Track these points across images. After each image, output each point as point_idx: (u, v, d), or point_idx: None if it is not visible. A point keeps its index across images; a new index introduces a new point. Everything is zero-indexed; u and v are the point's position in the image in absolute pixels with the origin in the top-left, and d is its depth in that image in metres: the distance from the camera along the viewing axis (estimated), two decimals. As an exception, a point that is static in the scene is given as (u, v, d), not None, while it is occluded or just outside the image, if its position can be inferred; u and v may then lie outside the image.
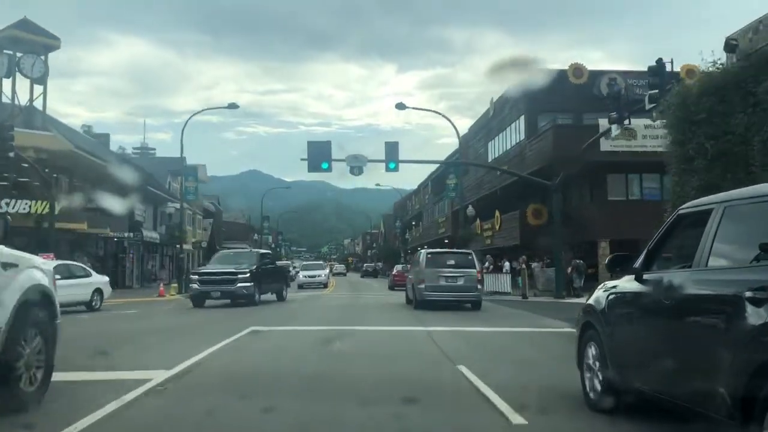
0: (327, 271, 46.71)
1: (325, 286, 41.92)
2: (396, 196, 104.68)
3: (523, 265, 29.65)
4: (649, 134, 31.98)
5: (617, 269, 5.82)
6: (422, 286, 20.05)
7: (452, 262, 20.58)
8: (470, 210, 37.87)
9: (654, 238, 5.36)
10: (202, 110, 39.60)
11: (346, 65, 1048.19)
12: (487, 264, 32.27)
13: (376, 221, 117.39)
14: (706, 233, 4.50)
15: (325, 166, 27.75)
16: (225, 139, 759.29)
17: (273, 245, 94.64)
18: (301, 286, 41.43)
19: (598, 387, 5.65)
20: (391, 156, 27.97)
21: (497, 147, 40.64)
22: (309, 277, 43.90)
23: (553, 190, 27.33)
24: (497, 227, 41.48)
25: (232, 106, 33.89)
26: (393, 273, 43.19)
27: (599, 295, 5.89)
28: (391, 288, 39.83)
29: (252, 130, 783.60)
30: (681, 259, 5.10)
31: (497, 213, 40.38)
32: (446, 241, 62.08)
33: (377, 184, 65.25)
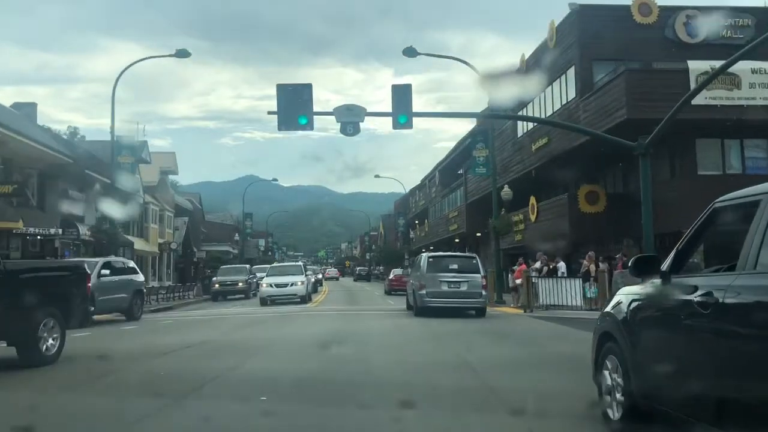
0: (305, 278, 30.35)
1: (303, 300, 28.43)
2: (395, 196, 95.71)
3: (599, 266, 20.23)
4: (758, 81, 22.72)
5: (642, 272, 5.01)
6: (423, 291, 18.79)
7: (455, 266, 19.22)
8: (506, 192, 28.23)
9: (685, 236, 4.75)
10: (143, 59, 29.56)
11: (344, 70, 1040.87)
12: (539, 264, 22.78)
13: (375, 223, 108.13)
14: (754, 230, 3.89)
15: (303, 121, 18.37)
16: (222, 145, 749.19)
17: (262, 249, 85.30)
18: (265, 302, 27.48)
19: (619, 407, 5.03)
20: (402, 107, 18.59)
21: (534, 113, 31.21)
22: (277, 286, 28.48)
23: (641, 152, 17.84)
24: (532, 218, 32.08)
25: (182, 53, 24.51)
26: (390, 277, 40.37)
27: (620, 302, 5.29)
28: (388, 293, 37.65)
29: (249, 135, 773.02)
30: (717, 260, 4.75)
31: (533, 200, 30.94)
32: (457, 240, 52.75)
33: (376, 176, 56.32)
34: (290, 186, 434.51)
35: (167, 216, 49.98)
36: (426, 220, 60.63)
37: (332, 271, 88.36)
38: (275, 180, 67.85)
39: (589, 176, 28.39)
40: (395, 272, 41.58)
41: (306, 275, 31.21)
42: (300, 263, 37.37)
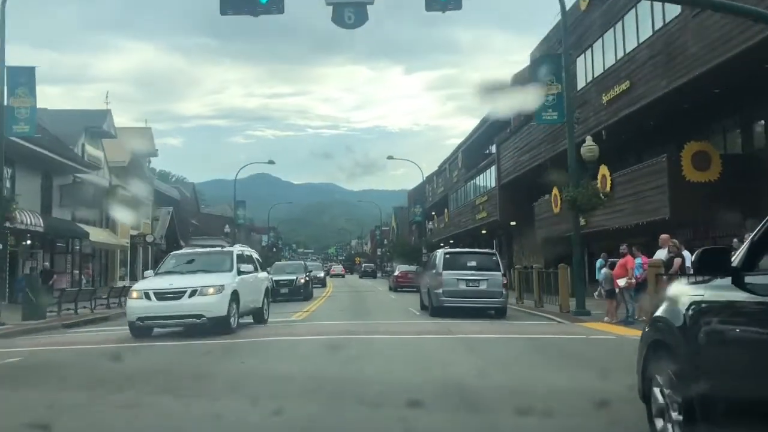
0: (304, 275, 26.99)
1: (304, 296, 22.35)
2: (406, 194, 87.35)
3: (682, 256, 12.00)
4: None
5: (709, 268, 4.20)
6: (439, 290, 17.57)
7: (473, 263, 18.10)
8: (590, 148, 19.03)
9: (761, 226, 3.97)
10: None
11: (354, 67, 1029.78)
12: (665, 254, 13.90)
13: (386, 218, 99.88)
14: None
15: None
16: (233, 143, 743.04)
17: (264, 245, 77.22)
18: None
19: (676, 428, 4.09)
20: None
21: (608, 50, 22.62)
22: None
23: None
24: (557, 206, 24.06)
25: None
26: (396, 274, 38.58)
27: (677, 304, 4.41)
28: (393, 289, 36.31)
29: (260, 133, 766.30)
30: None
31: (604, 170, 22.47)
32: (484, 231, 44.40)
33: (389, 157, 47.86)
34: (301, 183, 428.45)
35: (144, 204, 41.86)
36: (446, 210, 52.22)
37: (337, 268, 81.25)
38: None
39: (687, 135, 19.94)
40: (401, 269, 39.41)
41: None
42: (301, 262, 33.86)
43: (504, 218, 36.44)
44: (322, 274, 39.93)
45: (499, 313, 17.52)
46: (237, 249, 16.25)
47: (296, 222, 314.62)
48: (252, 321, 15.87)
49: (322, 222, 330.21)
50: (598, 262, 17.06)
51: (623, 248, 15.36)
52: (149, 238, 39.33)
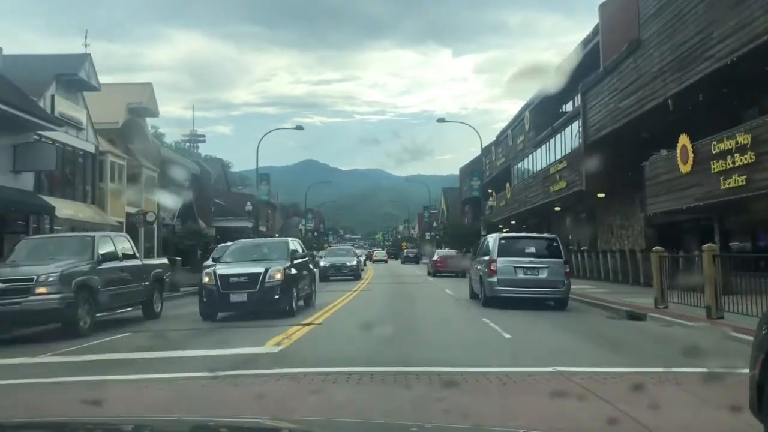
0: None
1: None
2: (454, 179, 78.77)
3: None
4: None
5: None
6: (494, 279, 16.20)
7: (532, 249, 16.58)
8: None
9: None
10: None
11: (401, 52, 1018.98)
12: None
13: (435, 201, 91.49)
14: None
15: None
16: (282, 130, 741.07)
17: (302, 228, 69.86)
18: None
19: None
20: None
21: None
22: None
23: None
24: (684, 167, 15.72)
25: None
26: (435, 259, 37.30)
27: None
28: (432, 274, 35.16)
29: (308, 120, 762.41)
30: None
31: (684, 140, 13.57)
32: (557, 208, 35.72)
33: (440, 119, 39.69)
34: (348, 170, 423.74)
35: (147, 176, 34.52)
36: (507, 185, 43.53)
37: (380, 254, 74.49)
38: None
39: None
40: (440, 253, 37.97)
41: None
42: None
43: (591, 187, 27.72)
44: (354, 262, 32.29)
45: (560, 304, 16.35)
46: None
47: (344, 208, 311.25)
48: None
49: (370, 208, 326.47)
50: None
51: None
52: (150, 217, 31.90)
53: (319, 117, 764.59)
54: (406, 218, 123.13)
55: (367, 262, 56.64)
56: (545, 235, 20.14)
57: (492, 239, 17.72)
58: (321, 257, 35.43)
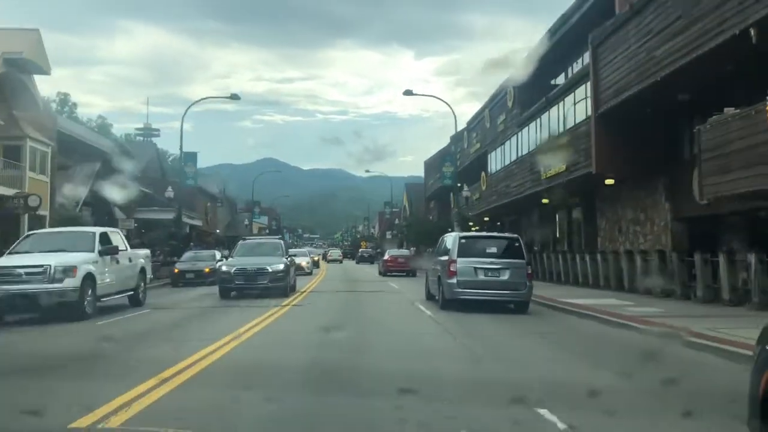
0: None
1: None
2: (417, 180, 72.85)
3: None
4: None
5: None
6: (453, 280, 15.23)
7: (493, 249, 15.72)
8: None
9: None
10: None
11: (365, 52, 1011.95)
12: None
13: (397, 200, 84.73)
14: None
15: None
16: (242, 128, 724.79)
17: (246, 224, 62.40)
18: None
19: None
20: None
21: None
22: None
23: None
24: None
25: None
26: (385, 258, 36.68)
27: None
28: (382, 274, 34.70)
29: (269, 118, 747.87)
30: None
31: None
32: (545, 200, 29.22)
33: (407, 92, 32.86)
34: (309, 169, 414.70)
35: (34, 150, 26.82)
36: (483, 174, 36.95)
37: (335, 253, 68.76)
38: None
39: None
40: (390, 253, 37.78)
41: None
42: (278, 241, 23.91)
43: (603, 169, 21.24)
44: (280, 266, 21.09)
45: (521, 307, 15.31)
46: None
47: (304, 207, 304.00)
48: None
49: (330, 208, 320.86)
50: None
51: None
52: (33, 201, 24.34)
53: (281, 115, 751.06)
54: (366, 216, 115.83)
55: (320, 262, 52.98)
56: (506, 234, 18.72)
57: (451, 238, 16.88)
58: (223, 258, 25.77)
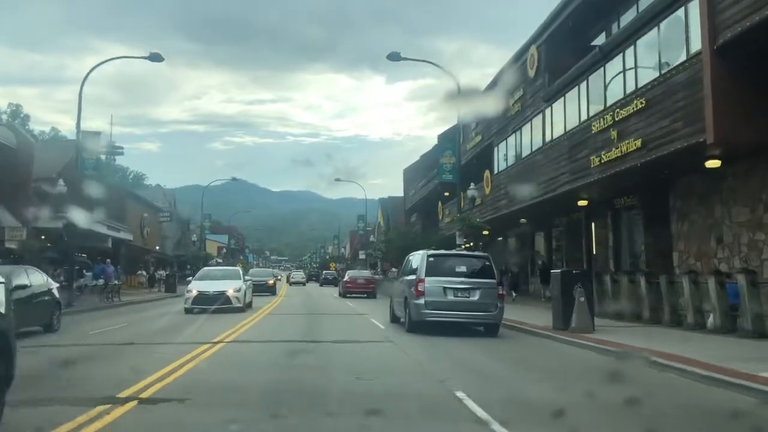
0: None
1: None
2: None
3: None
4: None
5: None
6: (421, 301, 14.05)
7: (463, 268, 14.50)
8: None
9: None
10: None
11: (336, 75, 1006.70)
12: None
13: (371, 217, 75.94)
14: None
15: None
16: (211, 149, 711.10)
17: (194, 240, 53.27)
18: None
19: None
20: None
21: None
22: None
23: None
24: None
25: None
26: (345, 279, 36.23)
27: None
28: (342, 295, 34.37)
29: (239, 140, 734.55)
30: None
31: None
32: (582, 201, 20.75)
33: (392, 54, 23.96)
34: (279, 191, 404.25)
35: None
36: (486, 174, 28.44)
37: (297, 275, 60.71)
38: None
39: None
40: (350, 274, 36.75)
41: None
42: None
43: (727, 136, 12.82)
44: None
45: (491, 330, 14.29)
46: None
47: (273, 229, 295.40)
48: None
49: (300, 230, 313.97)
50: None
51: None
52: None
53: (251, 137, 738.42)
54: (335, 235, 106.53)
55: (278, 285, 45.67)
56: (477, 253, 17.73)
57: (418, 256, 15.46)
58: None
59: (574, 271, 13.86)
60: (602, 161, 17.32)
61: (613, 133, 16.71)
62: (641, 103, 15.42)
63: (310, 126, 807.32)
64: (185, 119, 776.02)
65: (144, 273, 38.50)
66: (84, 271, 25.03)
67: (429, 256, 14.88)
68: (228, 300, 19.39)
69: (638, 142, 15.45)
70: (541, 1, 23.48)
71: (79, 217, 22.79)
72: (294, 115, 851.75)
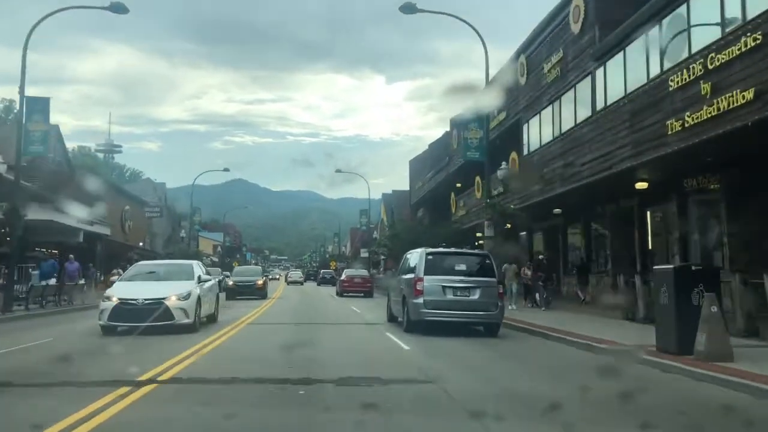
0: None
1: None
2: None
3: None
4: None
5: None
6: (419, 300, 13.70)
7: (462, 266, 14.14)
8: None
9: None
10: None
11: (336, 75, 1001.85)
12: None
13: (373, 215, 71.87)
14: None
15: None
16: (211, 149, 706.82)
17: (182, 236, 49.22)
18: None
19: None
20: None
21: None
22: None
23: None
24: None
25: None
26: (342, 278, 36.21)
27: None
28: (339, 294, 34.12)
29: (239, 140, 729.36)
30: None
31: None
32: (641, 184, 16.58)
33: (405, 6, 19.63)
34: (279, 191, 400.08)
35: None
36: (513, 155, 24.29)
37: (295, 274, 57.31)
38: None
39: None
40: (347, 273, 36.68)
41: None
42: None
43: None
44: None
45: (491, 330, 13.88)
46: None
47: (273, 229, 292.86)
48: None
49: (300, 229, 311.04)
50: None
51: None
52: None
53: (251, 137, 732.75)
54: (336, 233, 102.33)
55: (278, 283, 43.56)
56: (477, 251, 17.29)
57: (417, 254, 14.97)
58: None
59: (693, 268, 9.61)
60: (685, 125, 13.18)
61: (705, 87, 12.57)
62: (755, 39, 11.28)
63: (310, 126, 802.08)
64: (186, 119, 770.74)
65: (120, 271, 34.42)
66: (30, 269, 20.86)
67: (428, 254, 14.37)
68: (167, 313, 12.82)
69: (749, 93, 11.32)
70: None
71: (26, 203, 18.67)
72: (294, 115, 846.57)
